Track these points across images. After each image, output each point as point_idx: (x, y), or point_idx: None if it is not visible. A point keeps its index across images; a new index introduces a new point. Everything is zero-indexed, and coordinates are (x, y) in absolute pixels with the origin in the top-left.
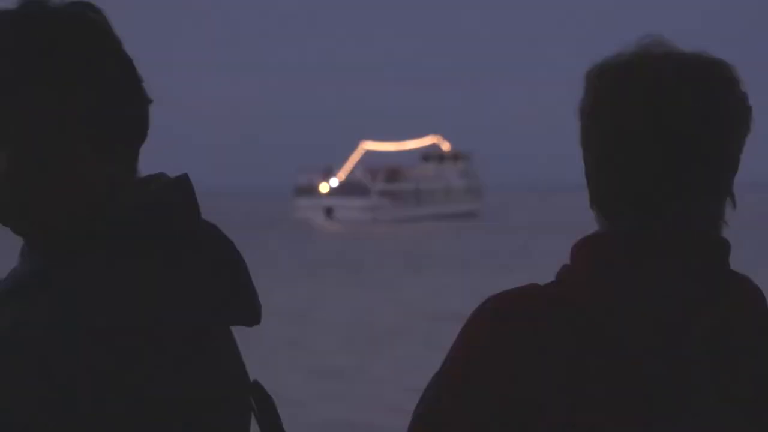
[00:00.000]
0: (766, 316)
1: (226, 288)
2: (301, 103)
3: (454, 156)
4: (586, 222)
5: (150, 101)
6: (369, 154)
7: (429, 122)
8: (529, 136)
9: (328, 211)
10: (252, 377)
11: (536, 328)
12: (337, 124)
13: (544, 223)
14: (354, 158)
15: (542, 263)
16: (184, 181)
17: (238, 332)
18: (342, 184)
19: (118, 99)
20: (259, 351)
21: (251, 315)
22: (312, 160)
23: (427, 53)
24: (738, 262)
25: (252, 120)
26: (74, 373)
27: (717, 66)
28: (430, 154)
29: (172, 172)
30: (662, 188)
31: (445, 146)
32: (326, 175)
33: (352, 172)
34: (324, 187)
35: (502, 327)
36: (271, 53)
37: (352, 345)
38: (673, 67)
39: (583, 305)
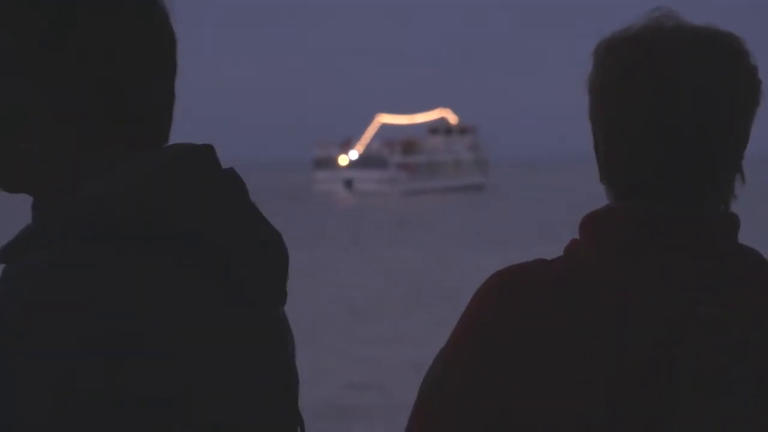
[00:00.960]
0: None
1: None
2: (318, 79)
3: (461, 129)
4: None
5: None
6: (382, 127)
7: (438, 97)
8: (536, 111)
9: (348, 183)
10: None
11: (542, 304)
12: (351, 98)
13: (551, 198)
14: (370, 131)
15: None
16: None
17: None
18: (361, 157)
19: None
20: None
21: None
22: (325, 133)
23: (437, 34)
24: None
25: (270, 94)
26: None
27: (726, 40)
28: (438, 127)
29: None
30: (669, 169)
31: (453, 119)
32: (345, 148)
33: (369, 145)
34: (343, 160)
35: (507, 304)
36: (290, 31)
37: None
38: (683, 44)
39: (589, 281)
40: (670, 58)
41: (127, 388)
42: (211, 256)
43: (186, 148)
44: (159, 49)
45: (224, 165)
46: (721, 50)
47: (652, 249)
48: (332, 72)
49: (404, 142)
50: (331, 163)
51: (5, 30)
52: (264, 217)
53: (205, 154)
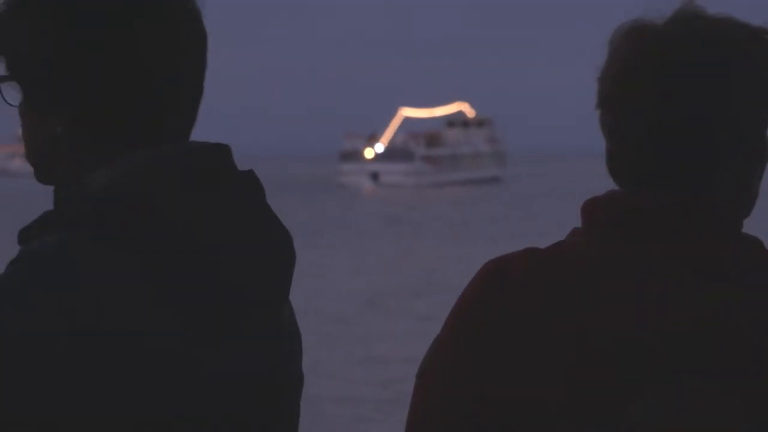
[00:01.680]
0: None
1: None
2: (341, 73)
3: (479, 122)
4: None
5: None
6: (396, 119)
7: (452, 89)
8: (553, 104)
9: (375, 176)
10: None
11: (524, 293)
12: (373, 91)
13: (567, 191)
14: (395, 124)
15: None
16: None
17: None
18: (386, 150)
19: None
20: None
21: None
22: (349, 127)
23: (459, 23)
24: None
25: (292, 87)
26: None
27: (742, 32)
28: (455, 121)
29: (220, 135)
30: (669, 159)
31: (470, 113)
32: (371, 141)
33: (393, 138)
34: (369, 153)
35: (490, 293)
36: (312, 26)
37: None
38: (690, 35)
39: (575, 268)
40: (673, 49)
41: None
42: (201, 258)
43: (193, 146)
44: (186, 49)
45: (246, 156)
46: (731, 43)
47: (644, 236)
48: (345, 63)
49: (428, 135)
50: (357, 155)
51: (43, 25)
52: (272, 220)
53: (214, 153)
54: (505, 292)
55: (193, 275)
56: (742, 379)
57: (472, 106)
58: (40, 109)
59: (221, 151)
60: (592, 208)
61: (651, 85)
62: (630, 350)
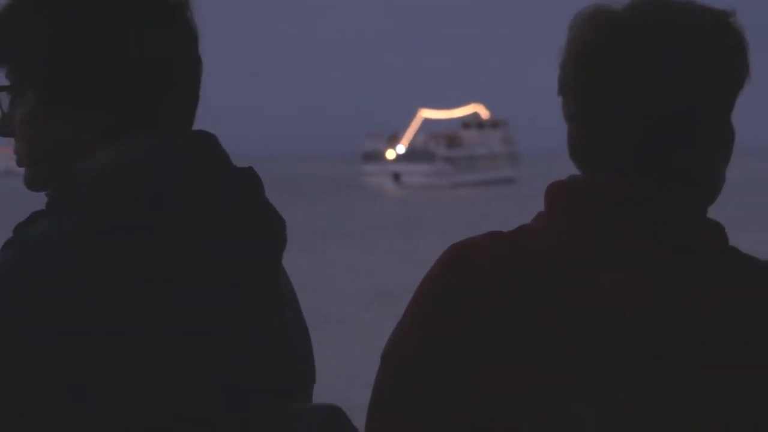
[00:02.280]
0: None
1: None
2: (354, 74)
3: (493, 123)
4: None
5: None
6: (415, 120)
7: (470, 92)
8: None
9: (396, 177)
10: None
11: (493, 282)
12: (389, 93)
13: None
14: (414, 125)
15: None
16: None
17: None
18: (407, 151)
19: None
20: None
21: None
22: (365, 127)
23: (472, 24)
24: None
25: (310, 88)
26: None
27: (704, 17)
28: (470, 122)
29: (245, 139)
30: (635, 149)
31: (485, 114)
32: (392, 142)
33: (414, 139)
34: (390, 154)
35: (449, 278)
36: (328, 26)
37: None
38: (646, 18)
39: (540, 257)
40: (632, 34)
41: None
42: (200, 253)
43: (182, 136)
44: (179, 49)
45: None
46: (691, 27)
47: (612, 223)
48: (346, 63)
49: (447, 136)
50: (378, 156)
51: (37, 23)
52: (271, 213)
53: (201, 141)
54: (468, 279)
55: (192, 271)
56: (714, 369)
57: (485, 104)
58: (69, 110)
59: (209, 139)
60: (554, 192)
61: (611, 71)
62: (601, 340)
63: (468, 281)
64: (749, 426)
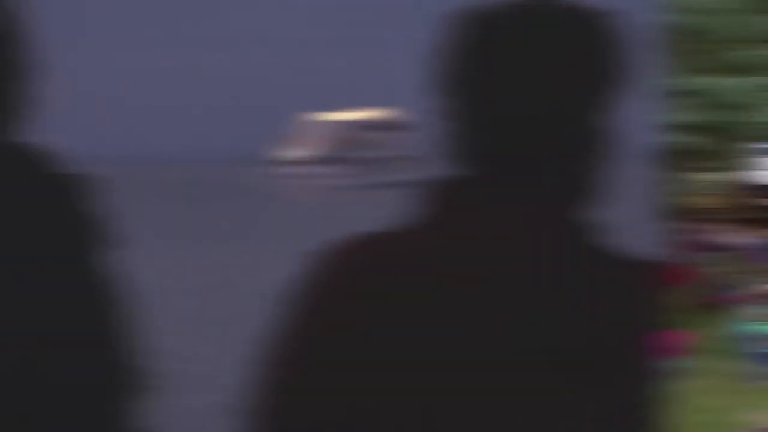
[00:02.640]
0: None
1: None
2: (256, 74)
3: (394, 125)
4: None
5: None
6: (318, 123)
7: (372, 92)
8: None
9: (301, 180)
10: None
11: (345, 272)
12: (289, 93)
13: None
14: (316, 127)
15: None
16: None
17: None
18: (313, 154)
19: None
20: None
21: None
22: (266, 129)
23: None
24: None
25: (212, 88)
26: None
27: (564, 13)
28: (371, 124)
29: (144, 139)
30: (491, 145)
31: (387, 115)
32: (296, 144)
33: (319, 141)
34: (295, 156)
35: (326, 267)
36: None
37: None
38: (521, 24)
39: (388, 246)
40: (495, 33)
41: None
42: None
43: None
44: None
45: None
46: (552, 25)
47: (447, 218)
48: (255, 65)
49: (350, 138)
50: (285, 159)
51: None
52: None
53: None
54: (338, 275)
55: None
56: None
57: (388, 107)
58: None
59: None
60: (426, 192)
61: (474, 71)
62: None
63: (338, 272)
64: None
